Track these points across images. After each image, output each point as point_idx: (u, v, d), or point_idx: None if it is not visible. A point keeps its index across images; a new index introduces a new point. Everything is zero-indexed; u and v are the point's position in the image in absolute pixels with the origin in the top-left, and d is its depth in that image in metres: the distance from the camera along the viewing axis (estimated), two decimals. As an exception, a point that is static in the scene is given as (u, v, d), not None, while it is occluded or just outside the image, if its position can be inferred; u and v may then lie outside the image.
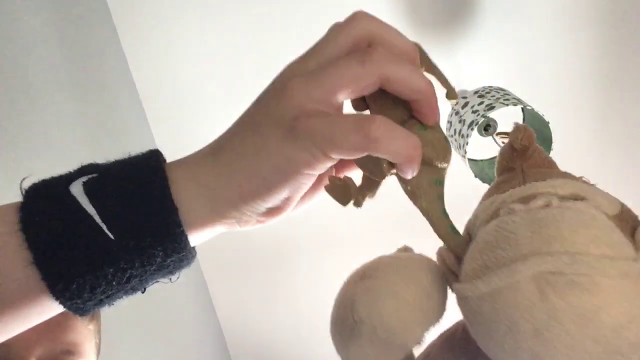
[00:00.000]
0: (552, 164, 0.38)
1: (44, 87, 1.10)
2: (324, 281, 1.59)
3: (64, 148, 1.11)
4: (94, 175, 0.30)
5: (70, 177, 0.30)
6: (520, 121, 1.54)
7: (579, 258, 0.27)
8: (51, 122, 1.10)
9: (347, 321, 0.32)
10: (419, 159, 0.30)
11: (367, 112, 0.34)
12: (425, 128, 0.32)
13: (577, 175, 0.36)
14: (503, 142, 1.50)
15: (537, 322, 0.28)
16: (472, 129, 1.34)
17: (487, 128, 1.49)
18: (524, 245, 0.29)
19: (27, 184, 0.30)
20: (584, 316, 0.27)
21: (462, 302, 0.32)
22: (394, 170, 0.32)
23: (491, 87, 1.45)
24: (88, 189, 0.29)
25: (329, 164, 0.30)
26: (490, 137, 1.50)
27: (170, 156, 0.33)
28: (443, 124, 1.52)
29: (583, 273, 0.27)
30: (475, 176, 1.41)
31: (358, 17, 0.31)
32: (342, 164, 0.35)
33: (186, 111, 1.59)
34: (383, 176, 0.32)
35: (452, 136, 1.46)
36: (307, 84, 0.29)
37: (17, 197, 0.32)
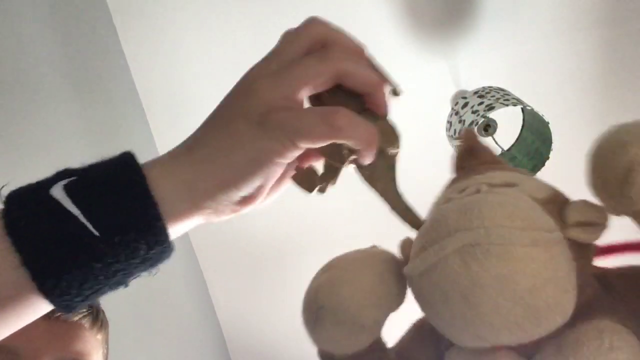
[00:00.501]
0: (499, 161, 0.42)
1: (44, 87, 1.10)
2: (324, 281, 1.58)
3: (64, 148, 1.12)
4: (74, 178, 0.31)
5: (49, 182, 0.31)
6: (520, 121, 1.54)
7: (494, 230, 0.31)
8: (51, 122, 1.10)
9: (311, 308, 0.37)
10: (376, 145, 0.34)
11: None
12: (377, 119, 0.36)
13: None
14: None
15: (463, 290, 0.31)
16: (472, 129, 1.34)
17: (487, 128, 1.48)
18: (451, 225, 0.33)
19: (5, 192, 0.31)
20: (501, 280, 0.30)
21: (409, 283, 0.36)
22: (352, 157, 0.36)
23: (491, 87, 1.45)
24: (69, 191, 0.30)
25: (298, 152, 0.33)
26: (490, 138, 1.50)
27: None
28: (443, 124, 1.52)
29: (497, 243, 0.31)
30: (475, 176, 1.40)
31: (311, 22, 0.35)
32: (304, 156, 0.37)
33: (186, 111, 1.59)
34: (344, 161, 0.36)
35: (452, 136, 1.46)
36: (273, 82, 0.33)
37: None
